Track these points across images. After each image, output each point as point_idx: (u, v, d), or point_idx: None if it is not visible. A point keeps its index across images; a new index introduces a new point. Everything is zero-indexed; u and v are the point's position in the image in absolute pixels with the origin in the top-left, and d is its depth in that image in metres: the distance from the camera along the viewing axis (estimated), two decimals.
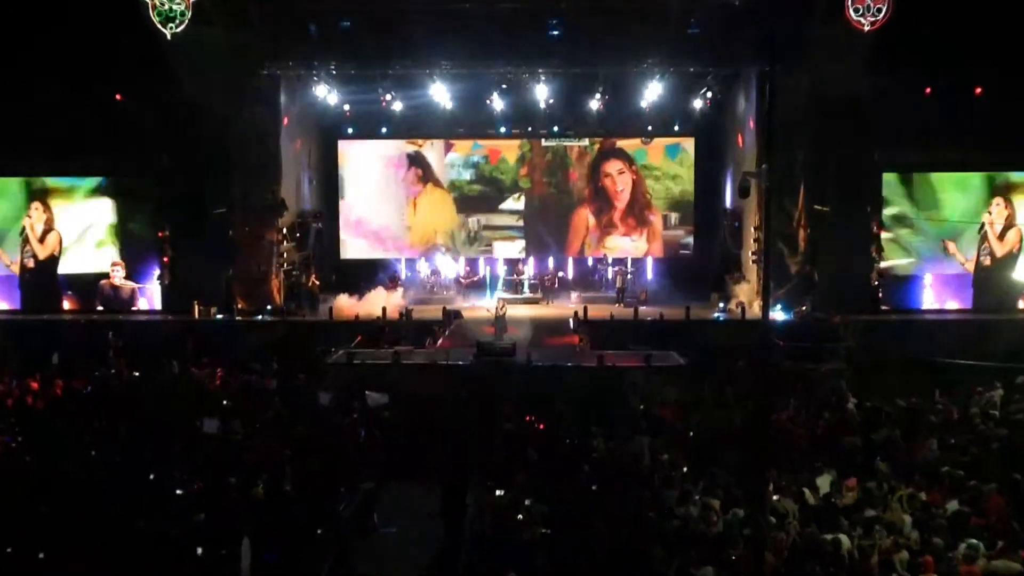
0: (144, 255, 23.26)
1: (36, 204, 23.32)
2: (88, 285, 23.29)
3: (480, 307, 23.94)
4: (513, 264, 26.63)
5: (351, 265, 26.83)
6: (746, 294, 22.72)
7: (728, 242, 24.75)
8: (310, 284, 24.12)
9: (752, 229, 22.74)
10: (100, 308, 23.06)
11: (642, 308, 23.05)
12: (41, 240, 23.42)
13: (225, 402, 14.82)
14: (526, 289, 25.61)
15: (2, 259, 23.46)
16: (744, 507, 9.55)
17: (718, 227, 25.88)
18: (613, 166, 26.77)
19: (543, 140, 26.68)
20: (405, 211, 27.04)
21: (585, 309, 21.99)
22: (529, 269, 26.64)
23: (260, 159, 22.15)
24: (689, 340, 18.93)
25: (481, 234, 27.00)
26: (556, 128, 26.29)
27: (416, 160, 27.05)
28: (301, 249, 24.58)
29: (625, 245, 26.78)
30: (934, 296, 22.71)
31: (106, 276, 23.28)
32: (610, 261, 26.59)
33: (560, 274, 26.22)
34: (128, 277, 23.28)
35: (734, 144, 24.41)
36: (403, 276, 26.43)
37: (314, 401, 14.70)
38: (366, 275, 25.46)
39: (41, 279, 23.31)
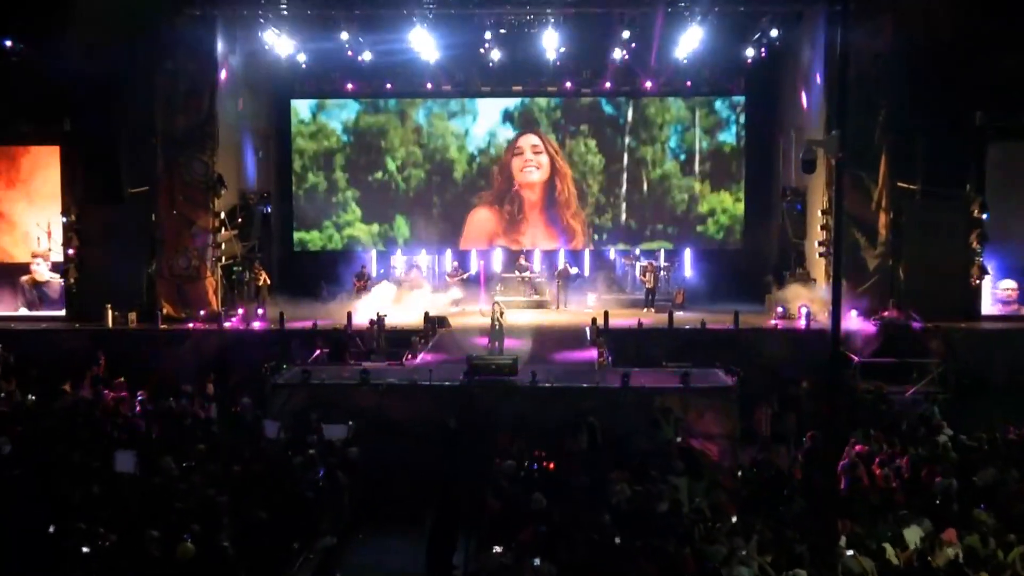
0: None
1: None
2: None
3: (472, 312, 23.89)
4: (514, 257, 26.69)
5: (308, 259, 26.92)
6: (811, 296, 22.73)
7: (788, 230, 24.71)
8: (256, 283, 24.13)
9: (819, 213, 22.73)
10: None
11: (678, 314, 22.96)
12: None
13: (145, 433, 14.77)
14: (531, 289, 25.62)
15: None
16: (808, 568, 9.52)
17: (775, 211, 25.88)
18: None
19: (550, 100, 26.79)
20: None
21: (606, 315, 21.97)
22: (536, 263, 26.74)
23: (190, 124, 22.17)
24: (738, 354, 18.86)
25: None
26: (570, 84, 26.31)
27: None
28: (244, 239, 24.57)
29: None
30: None
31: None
32: (638, 254, 26.67)
33: (575, 270, 26.28)
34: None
35: (796, 104, 24.40)
36: (372, 272, 26.51)
37: (259, 433, 14.66)
38: (327, 272, 25.43)
39: None
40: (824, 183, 21.88)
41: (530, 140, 27.00)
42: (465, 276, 26.10)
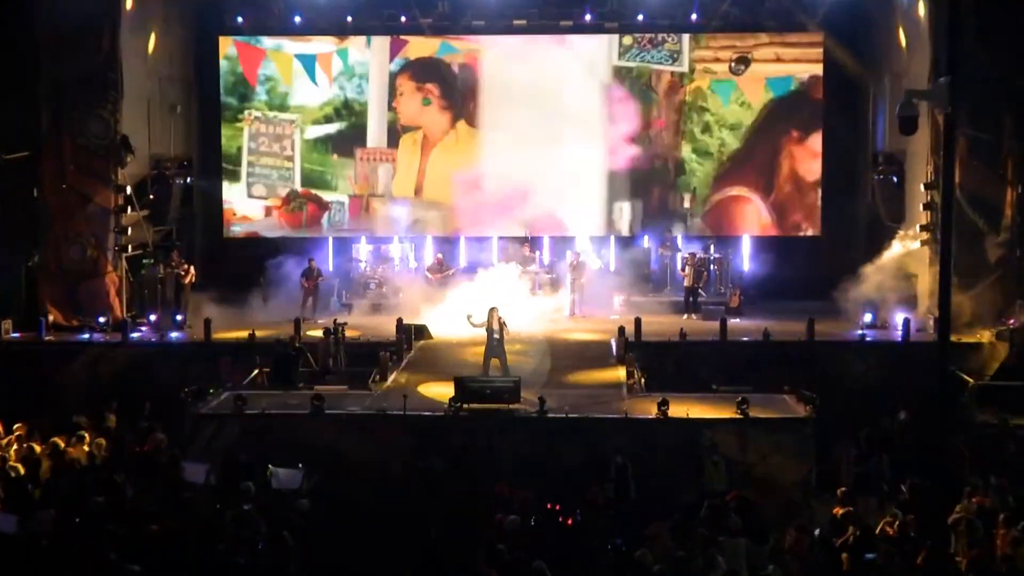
0: None
1: None
2: None
3: (459, 320, 23.91)
4: (516, 246, 26.74)
5: (244, 248, 26.94)
6: (911, 296, 22.72)
7: (879, 209, 24.75)
8: (177, 278, 24.11)
9: (921, 188, 22.79)
10: None
11: (733, 321, 23.04)
12: None
13: (23, 478, 14.76)
14: (538, 288, 25.65)
15: None
16: None
17: (861, 185, 25.86)
18: None
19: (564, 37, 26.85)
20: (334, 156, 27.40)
21: (637, 323, 21.96)
22: (544, 254, 26.80)
23: (85, 68, 22.22)
24: (813, 375, 18.92)
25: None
26: (589, 17, 26.36)
27: None
28: (159, 222, 24.61)
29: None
30: None
31: None
32: (678, 242, 26.69)
33: (599, 264, 26.24)
34: None
35: (892, 45, 24.48)
36: (328, 266, 26.56)
37: (178, 479, 14.67)
38: (268, 265, 25.42)
39: None
40: (928, 148, 21.91)
41: None
42: (452, 272, 26.11)
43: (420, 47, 27.22)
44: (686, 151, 27.18)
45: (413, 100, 27.36)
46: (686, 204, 27.34)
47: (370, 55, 27.24)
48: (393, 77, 27.25)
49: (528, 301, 24.55)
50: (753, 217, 27.38)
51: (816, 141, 26.83)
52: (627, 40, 26.92)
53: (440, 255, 26.69)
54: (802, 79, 26.81)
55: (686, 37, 26.77)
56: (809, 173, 27.02)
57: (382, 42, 27.14)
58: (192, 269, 24.23)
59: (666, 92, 27.11)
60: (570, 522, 13.46)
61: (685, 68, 26.98)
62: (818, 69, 26.68)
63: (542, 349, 21.11)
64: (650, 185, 27.44)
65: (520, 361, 19.94)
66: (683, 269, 25.29)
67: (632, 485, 14.86)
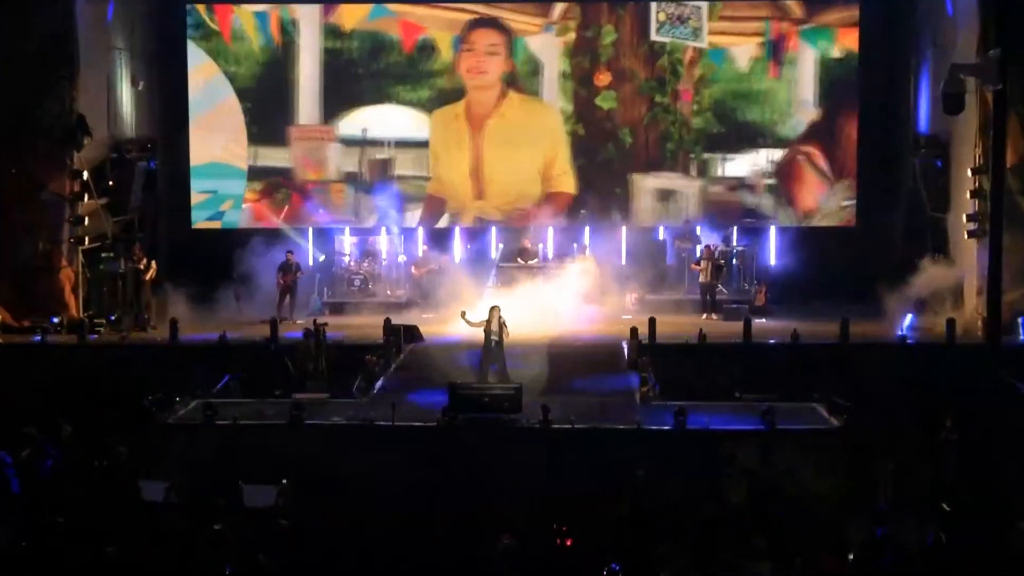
0: None
1: None
2: None
3: (454, 320, 23.91)
4: (515, 237, 26.72)
5: (214, 240, 26.99)
6: (957, 294, 22.74)
7: (922, 197, 24.78)
8: (136, 274, 24.16)
9: (968, 173, 22.83)
10: None
11: (758, 321, 23.13)
12: None
13: None
14: (539, 284, 25.64)
15: None
16: None
17: (903, 170, 25.90)
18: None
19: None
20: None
21: (652, 323, 22.03)
22: (548, 246, 26.87)
23: (36, 39, 22.22)
24: (847, 382, 18.95)
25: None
26: None
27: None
28: (119, 211, 24.63)
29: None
30: None
31: None
32: (697, 231, 26.74)
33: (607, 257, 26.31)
34: None
35: (936, 14, 24.53)
36: (310, 260, 26.62)
37: (138, 497, 14.69)
38: (242, 258, 25.50)
39: None
40: (977, 129, 21.94)
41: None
42: (436, 267, 26.19)
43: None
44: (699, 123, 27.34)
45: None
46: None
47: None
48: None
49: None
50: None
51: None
52: (661, 16, 27.14)
53: (425, 247, 26.77)
54: (835, 54, 26.88)
55: (705, 9, 26.92)
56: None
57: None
58: (153, 264, 24.25)
59: (688, 67, 27.25)
60: (569, 543, 13.45)
61: (705, 44, 27.10)
62: (853, 41, 26.74)
63: (546, 354, 21.10)
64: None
65: (521, 368, 19.94)
66: (698, 263, 25.33)
67: (647, 503, 14.84)
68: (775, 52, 27.02)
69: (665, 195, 27.47)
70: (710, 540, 13.09)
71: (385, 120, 27.55)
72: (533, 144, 27.50)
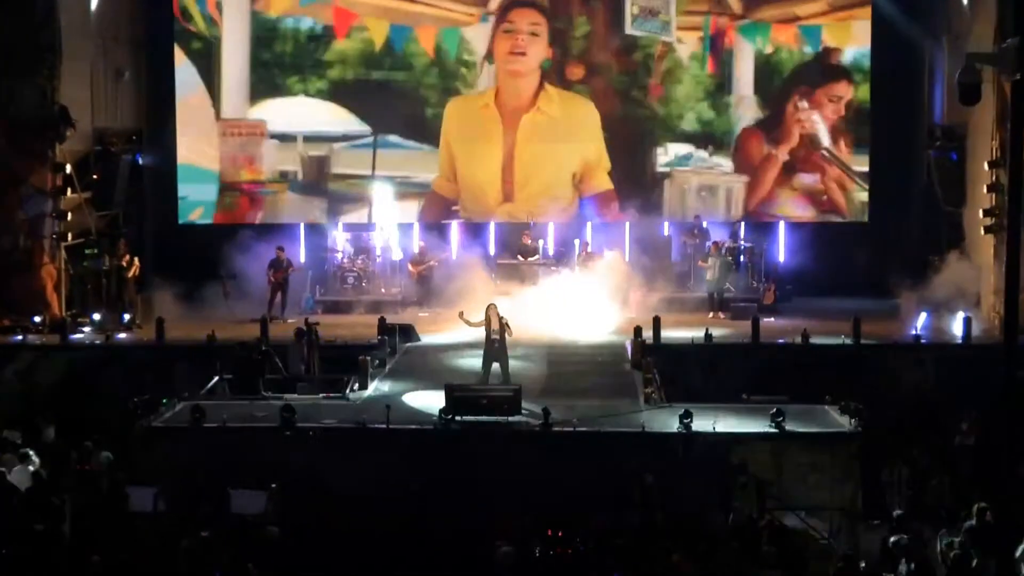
0: None
1: None
2: None
3: (450, 318, 23.87)
4: (515, 232, 26.72)
5: (202, 235, 26.95)
6: (974, 292, 22.75)
7: (936, 191, 24.75)
8: (118, 271, 24.13)
9: (985, 166, 22.84)
10: None
11: (767, 320, 23.13)
12: None
13: None
14: (539, 281, 25.55)
15: None
16: None
17: (916, 162, 25.88)
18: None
19: None
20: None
21: (656, 322, 22.05)
22: (549, 242, 26.83)
23: (16, 29, 22.23)
24: (861, 384, 18.95)
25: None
26: None
27: None
28: (103, 206, 24.61)
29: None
30: None
31: None
32: (704, 225, 26.79)
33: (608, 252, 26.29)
34: None
35: (951, 1, 24.57)
36: (302, 257, 26.65)
37: (124, 504, 14.66)
38: (231, 254, 25.48)
39: None
40: (994, 120, 21.95)
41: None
42: (434, 263, 26.12)
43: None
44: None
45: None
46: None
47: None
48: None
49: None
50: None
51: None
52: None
53: (422, 244, 26.69)
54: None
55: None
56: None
57: None
58: (136, 261, 24.20)
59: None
60: (570, 551, 13.43)
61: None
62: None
63: (547, 355, 21.09)
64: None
65: (521, 369, 19.93)
66: (705, 260, 25.28)
67: (659, 511, 14.81)
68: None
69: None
70: (718, 550, 13.07)
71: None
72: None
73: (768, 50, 27.05)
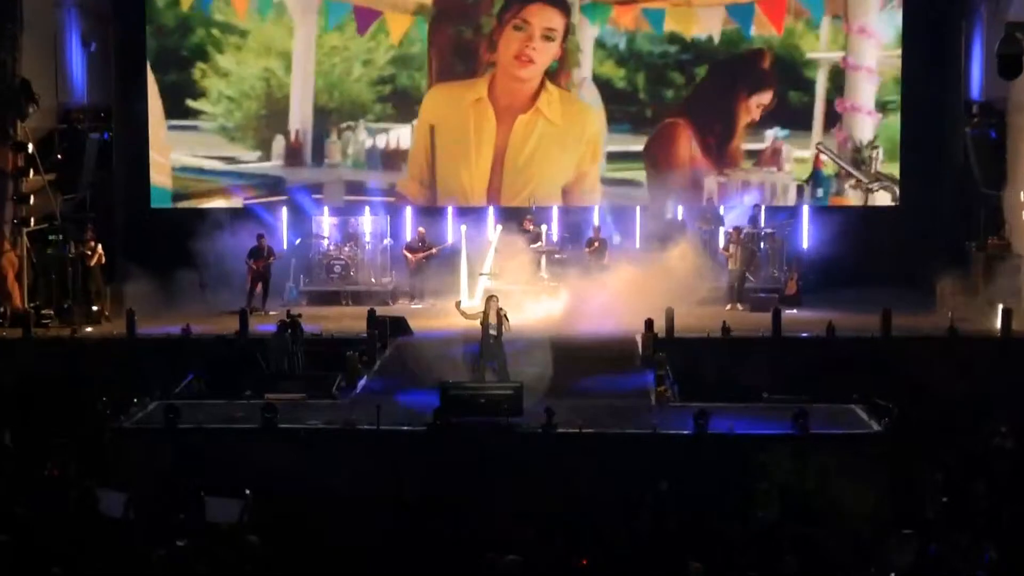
0: None
1: None
2: None
3: (446, 311, 23.89)
4: (516, 217, 26.79)
5: (175, 221, 27.00)
6: (1013, 282, 22.79)
7: (976, 173, 24.77)
8: (88, 260, 24.12)
9: None
10: None
11: (789, 312, 23.15)
12: None
13: None
14: (542, 269, 25.67)
15: None
16: None
17: (952, 141, 25.89)
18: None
19: None
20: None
21: (669, 315, 22.03)
22: (553, 228, 26.91)
23: None
24: (890, 381, 18.96)
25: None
26: None
27: None
28: (68, 188, 24.63)
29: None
30: None
31: None
32: (720, 211, 26.81)
33: (618, 239, 26.31)
34: None
35: None
36: (284, 244, 26.74)
37: (94, 510, 14.65)
38: (207, 242, 25.51)
39: None
40: None
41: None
42: (435, 251, 26.13)
43: None
44: None
45: None
46: None
47: None
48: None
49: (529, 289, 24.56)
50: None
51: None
52: None
53: (422, 230, 26.66)
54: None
55: None
56: None
57: None
58: (99, 248, 24.14)
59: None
60: (584, 562, 13.44)
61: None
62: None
63: (550, 349, 21.09)
64: None
65: (522, 365, 19.92)
66: (727, 248, 25.28)
67: (673, 518, 14.84)
68: None
69: None
70: (737, 560, 13.08)
71: None
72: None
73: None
